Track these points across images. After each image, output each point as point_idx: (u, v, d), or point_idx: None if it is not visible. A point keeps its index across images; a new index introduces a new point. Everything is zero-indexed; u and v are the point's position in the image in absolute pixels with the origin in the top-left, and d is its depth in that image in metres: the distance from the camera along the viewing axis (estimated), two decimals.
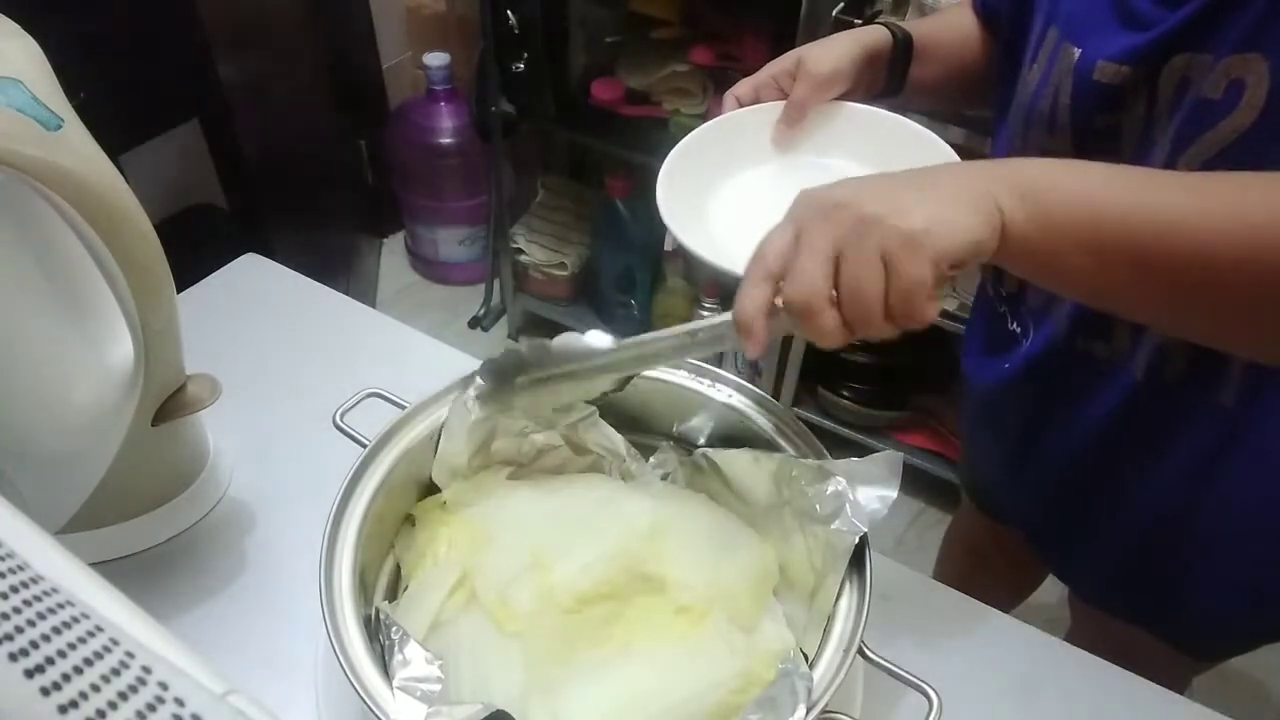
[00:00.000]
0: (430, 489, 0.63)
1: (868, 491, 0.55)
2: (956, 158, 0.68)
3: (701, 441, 0.67)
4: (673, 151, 0.71)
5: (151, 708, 0.21)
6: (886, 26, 0.75)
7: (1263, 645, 0.78)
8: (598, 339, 0.58)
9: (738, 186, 0.74)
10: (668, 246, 1.87)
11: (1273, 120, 0.52)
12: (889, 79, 0.75)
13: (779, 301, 0.47)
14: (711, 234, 0.70)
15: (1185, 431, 0.66)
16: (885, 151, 0.71)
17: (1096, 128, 0.61)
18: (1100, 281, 0.48)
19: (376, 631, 0.52)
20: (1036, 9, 0.66)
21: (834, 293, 0.46)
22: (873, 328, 0.46)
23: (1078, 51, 0.61)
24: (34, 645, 0.21)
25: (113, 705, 0.21)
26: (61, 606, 0.23)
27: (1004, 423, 0.81)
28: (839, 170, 0.73)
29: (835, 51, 0.72)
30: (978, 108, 0.84)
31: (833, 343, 0.47)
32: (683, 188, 0.70)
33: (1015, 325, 0.74)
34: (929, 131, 0.71)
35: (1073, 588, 0.87)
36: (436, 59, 1.96)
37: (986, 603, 0.70)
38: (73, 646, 0.22)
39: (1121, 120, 0.60)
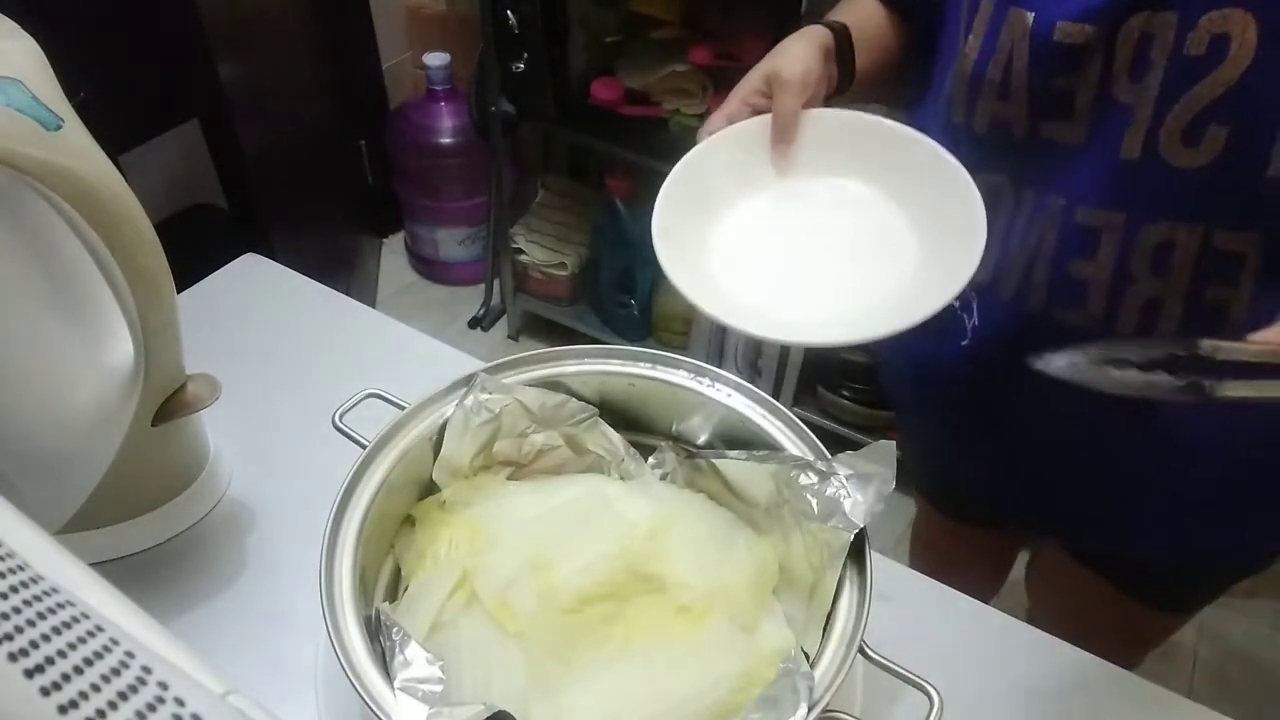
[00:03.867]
0: (430, 489, 0.63)
1: (866, 490, 0.55)
2: (951, 159, 0.65)
3: (701, 441, 0.67)
4: (657, 202, 0.66)
5: (151, 708, 0.21)
6: (822, 23, 0.72)
7: (1228, 587, 0.82)
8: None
9: (736, 224, 0.69)
10: None
11: (1265, 69, 0.53)
12: (840, 74, 0.73)
13: None
14: (719, 285, 0.66)
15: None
16: (881, 161, 0.68)
17: (1054, 90, 0.61)
18: None
19: (377, 632, 0.52)
20: None
21: None
22: None
23: (1031, 15, 0.60)
24: (34, 645, 0.21)
25: (113, 705, 0.21)
26: (61, 606, 0.23)
27: (957, 399, 0.80)
28: (846, 190, 0.69)
29: (799, 52, 0.69)
30: (890, 96, 0.81)
31: None
32: (680, 240, 0.65)
33: (956, 301, 0.74)
34: (928, 139, 0.67)
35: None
36: (436, 59, 1.96)
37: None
38: (73, 646, 0.22)
39: (1077, 82, 0.60)
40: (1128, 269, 0.62)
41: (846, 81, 0.74)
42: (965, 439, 0.84)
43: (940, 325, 0.74)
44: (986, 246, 0.68)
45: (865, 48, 0.74)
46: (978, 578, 1.05)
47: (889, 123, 0.68)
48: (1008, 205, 0.67)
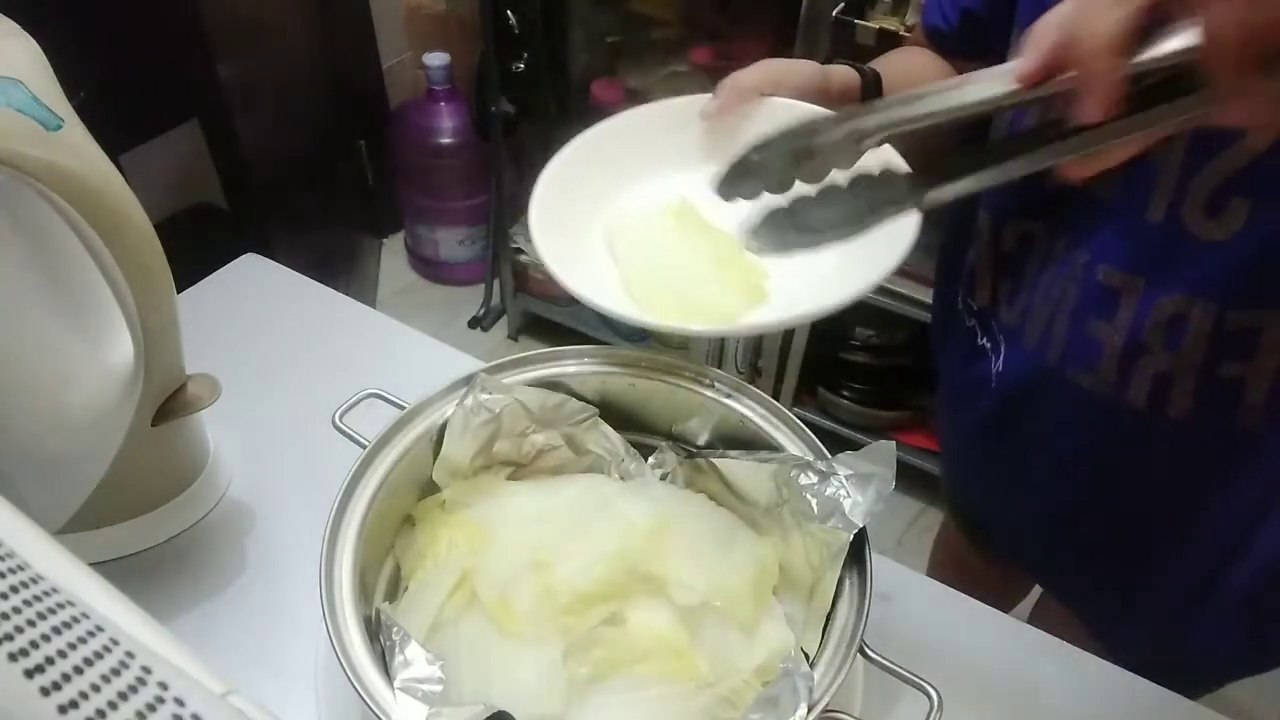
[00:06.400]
0: (430, 489, 0.63)
1: (866, 490, 0.55)
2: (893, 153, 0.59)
3: (701, 442, 0.67)
4: (542, 178, 0.64)
5: (151, 708, 0.21)
6: (853, 66, 0.70)
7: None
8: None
9: (637, 207, 0.65)
10: None
11: None
12: None
13: None
14: (609, 267, 0.62)
15: (1196, 463, 0.64)
16: None
17: None
18: None
19: (377, 632, 0.52)
20: (1017, 22, 0.64)
21: None
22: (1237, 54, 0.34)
23: None
24: (34, 645, 0.21)
25: (113, 705, 0.21)
26: (61, 606, 0.23)
27: (984, 436, 0.79)
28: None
29: (791, 60, 0.67)
30: (932, 151, 0.79)
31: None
32: (569, 219, 0.63)
33: (985, 340, 0.72)
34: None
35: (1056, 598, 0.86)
36: (436, 59, 1.96)
37: None
38: (73, 646, 0.22)
39: None
40: (1141, 338, 0.60)
41: None
42: (989, 476, 0.83)
43: (971, 349, 0.73)
44: (1018, 291, 0.67)
45: None
46: (996, 592, 1.04)
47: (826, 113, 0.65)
48: (1039, 254, 0.66)
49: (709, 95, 0.65)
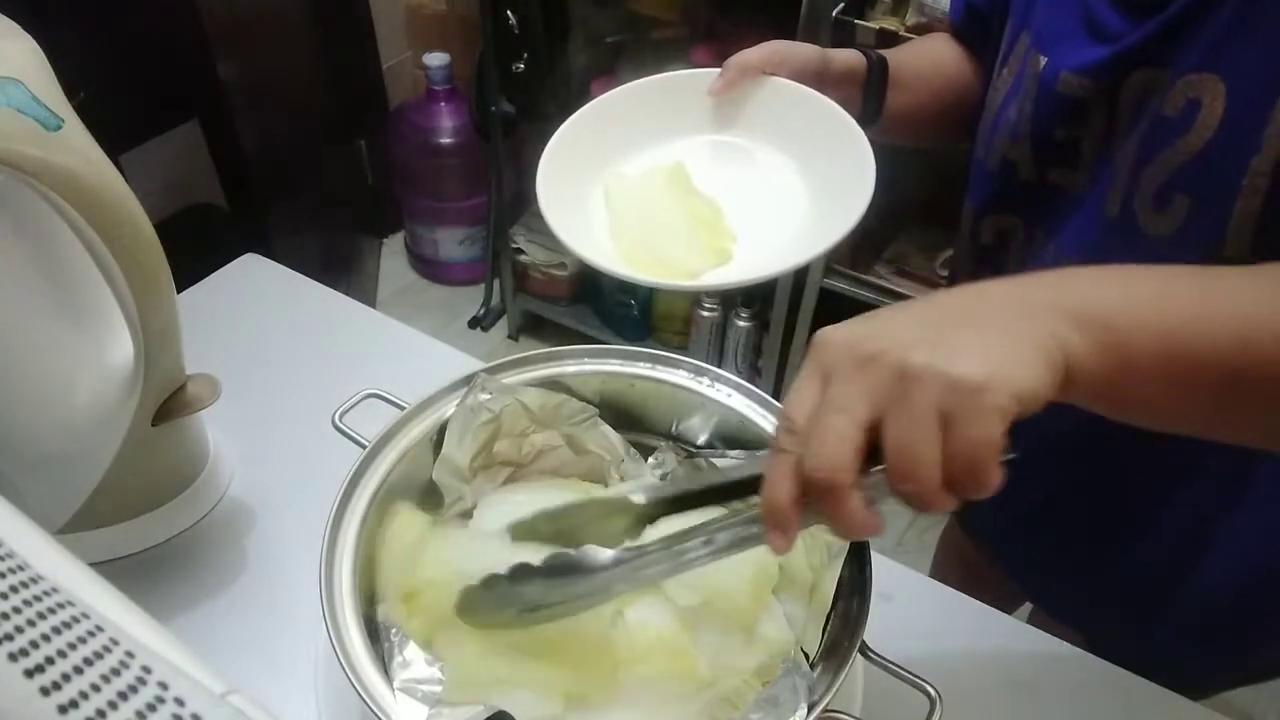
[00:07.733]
0: (430, 489, 0.63)
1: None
2: (863, 138, 0.62)
3: (700, 441, 0.67)
4: (551, 142, 0.67)
5: (151, 708, 0.21)
6: (861, 51, 0.71)
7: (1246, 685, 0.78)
8: (595, 553, 0.49)
9: (632, 173, 0.69)
10: None
11: (1226, 143, 0.51)
12: (865, 104, 0.71)
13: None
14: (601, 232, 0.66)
15: (1154, 458, 0.65)
16: (791, 125, 0.67)
17: (1056, 140, 0.61)
18: (1182, 406, 0.42)
19: (377, 633, 0.52)
20: (1011, 13, 0.65)
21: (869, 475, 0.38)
22: (925, 500, 0.37)
23: (1044, 60, 0.60)
24: (34, 645, 0.21)
25: (113, 705, 0.21)
26: (61, 606, 0.23)
27: None
28: (746, 150, 0.69)
29: (796, 42, 0.69)
30: (951, 142, 0.79)
31: (870, 532, 0.39)
32: (570, 185, 0.66)
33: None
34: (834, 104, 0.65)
35: (1044, 608, 0.87)
36: (436, 59, 1.96)
37: None
38: (73, 646, 0.22)
39: (1081, 135, 0.59)
40: None
41: (873, 112, 0.71)
42: None
43: None
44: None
45: (908, 87, 0.72)
46: (999, 592, 1.04)
47: (807, 90, 0.67)
48: (1017, 248, 0.66)
49: (717, 70, 0.68)
